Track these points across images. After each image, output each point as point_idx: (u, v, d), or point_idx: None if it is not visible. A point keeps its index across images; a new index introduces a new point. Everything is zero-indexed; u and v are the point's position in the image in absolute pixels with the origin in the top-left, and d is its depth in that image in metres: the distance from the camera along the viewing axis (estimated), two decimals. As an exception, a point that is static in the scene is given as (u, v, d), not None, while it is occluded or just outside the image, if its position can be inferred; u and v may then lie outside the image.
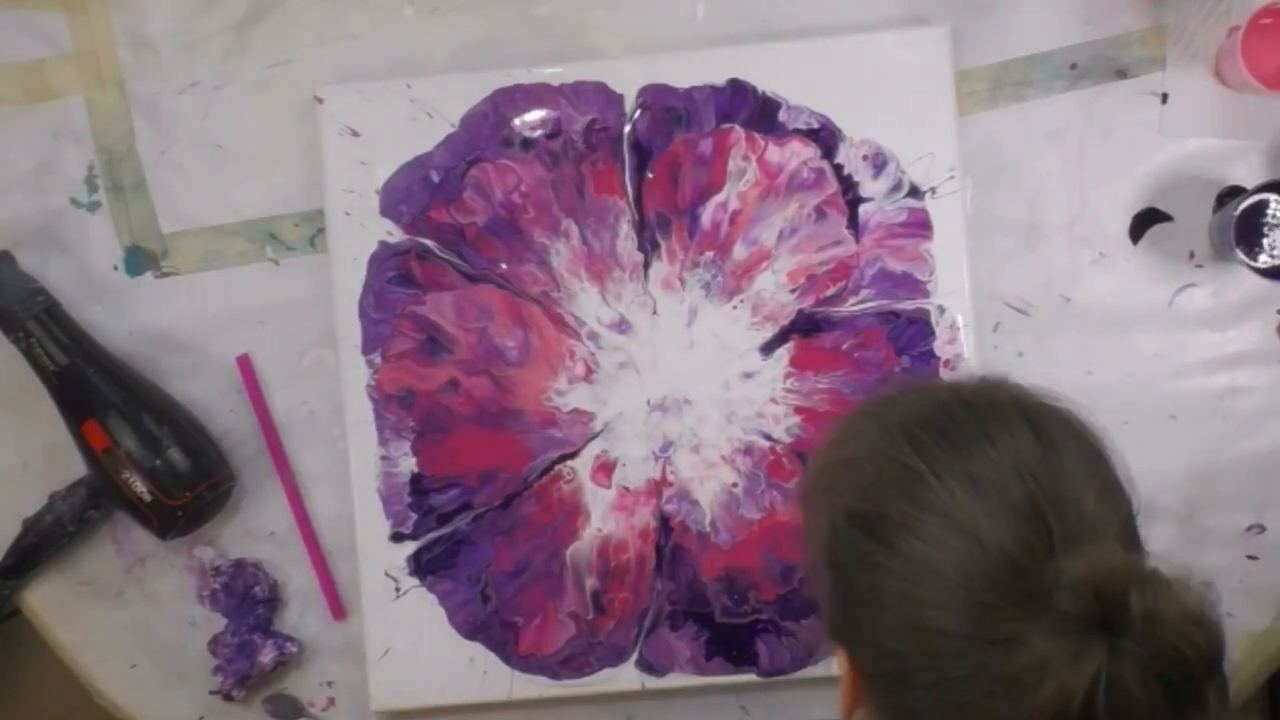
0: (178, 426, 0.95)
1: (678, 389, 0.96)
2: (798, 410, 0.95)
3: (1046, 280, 0.97)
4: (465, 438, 0.96)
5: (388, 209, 0.97)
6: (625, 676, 0.96)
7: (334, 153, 0.97)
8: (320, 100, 0.97)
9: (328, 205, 0.97)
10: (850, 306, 0.95)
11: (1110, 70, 0.97)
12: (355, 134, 0.97)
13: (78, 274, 1.00)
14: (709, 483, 0.96)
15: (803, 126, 0.95)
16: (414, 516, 0.96)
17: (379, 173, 0.97)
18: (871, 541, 0.62)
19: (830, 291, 0.95)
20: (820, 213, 0.95)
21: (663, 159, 0.96)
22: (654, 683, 0.96)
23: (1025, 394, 0.66)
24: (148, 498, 0.93)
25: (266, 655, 0.97)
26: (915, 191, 0.95)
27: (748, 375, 0.96)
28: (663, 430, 0.96)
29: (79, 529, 0.97)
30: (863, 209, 0.95)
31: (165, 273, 1.01)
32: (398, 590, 0.96)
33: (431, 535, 0.96)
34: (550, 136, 0.96)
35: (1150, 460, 0.96)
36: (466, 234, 0.96)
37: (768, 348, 0.96)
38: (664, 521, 0.96)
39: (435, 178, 0.96)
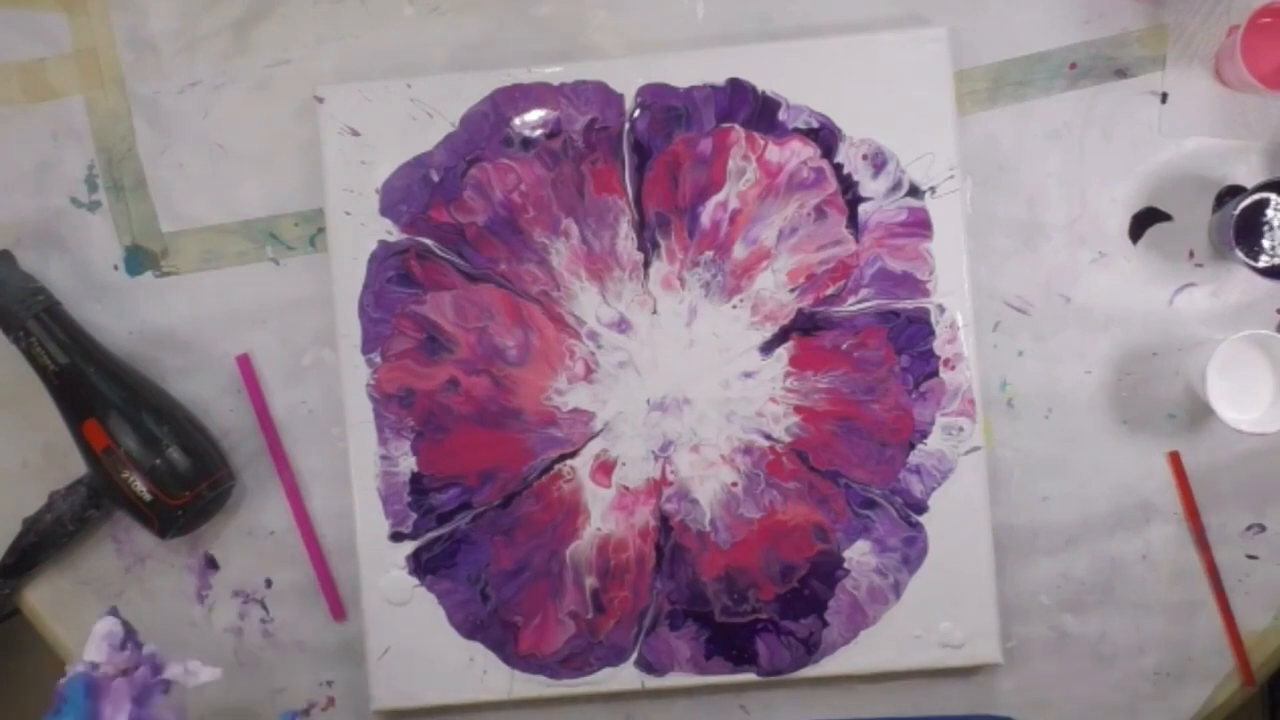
0: (178, 426, 0.95)
1: (677, 388, 0.96)
2: (797, 409, 0.95)
3: (1046, 280, 0.97)
4: (465, 437, 0.96)
5: (387, 208, 0.97)
6: (625, 676, 0.96)
7: (334, 152, 0.97)
8: (320, 100, 0.97)
9: (328, 205, 0.97)
10: (850, 306, 0.95)
11: (1110, 70, 0.97)
12: (355, 133, 0.97)
13: (78, 273, 1.00)
14: (708, 482, 0.96)
15: (802, 126, 0.95)
16: (414, 516, 0.96)
17: (379, 172, 0.97)
18: None
19: (830, 291, 0.95)
20: (820, 212, 0.95)
21: (662, 158, 0.96)
22: (654, 682, 0.96)
23: None
24: (148, 497, 0.93)
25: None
26: (915, 191, 0.95)
27: (747, 374, 0.96)
28: (662, 429, 0.96)
29: (79, 529, 0.97)
30: (862, 208, 0.95)
31: (165, 272, 1.01)
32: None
33: (431, 534, 0.96)
34: (550, 136, 0.96)
35: (1150, 460, 0.97)
36: (466, 233, 0.96)
37: (767, 347, 0.96)
38: (664, 521, 0.96)
39: (435, 177, 0.96)
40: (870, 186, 0.95)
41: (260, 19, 1.00)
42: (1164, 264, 0.97)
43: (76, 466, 0.96)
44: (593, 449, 0.96)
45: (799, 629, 0.95)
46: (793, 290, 0.96)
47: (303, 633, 1.00)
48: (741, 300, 0.96)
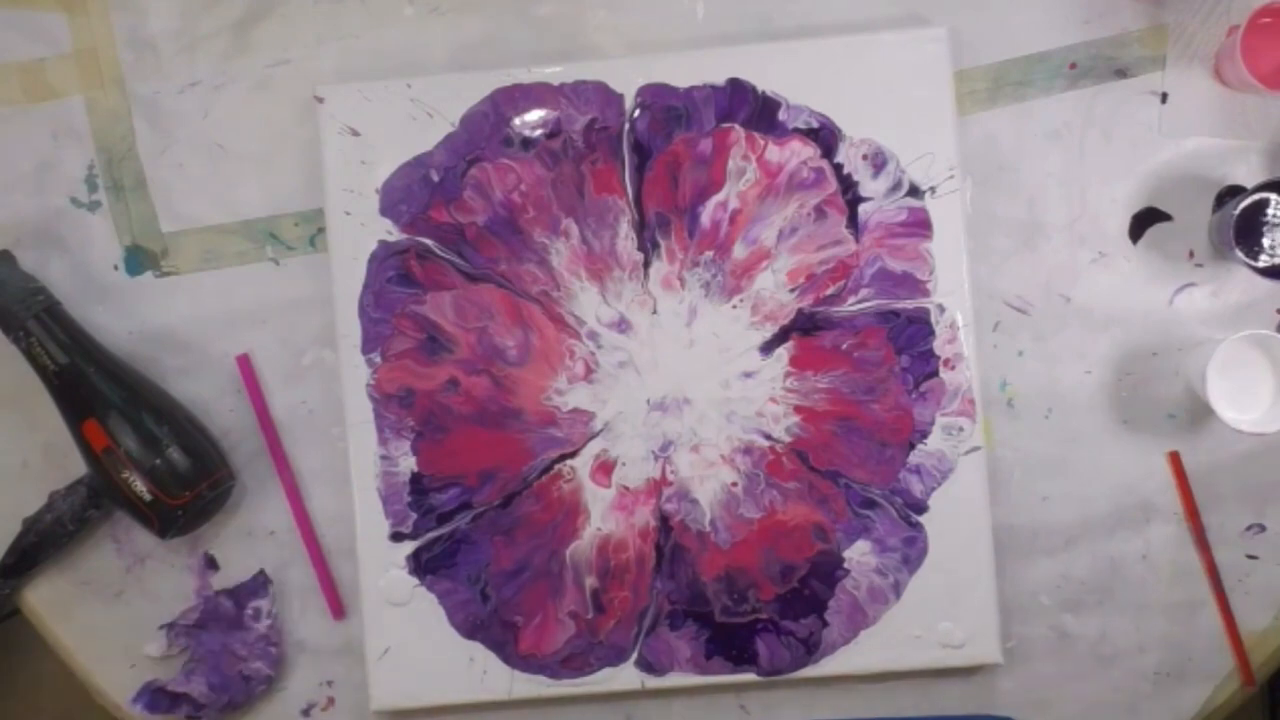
0: (178, 426, 0.95)
1: (677, 388, 0.96)
2: (797, 410, 0.95)
3: (1046, 280, 0.97)
4: (465, 437, 0.96)
5: (387, 208, 0.97)
6: (625, 676, 0.96)
7: (334, 152, 0.97)
8: (320, 100, 0.97)
9: (328, 205, 0.97)
10: (850, 306, 0.95)
11: (1110, 70, 0.97)
12: (355, 133, 0.97)
13: (78, 274, 1.00)
14: (708, 482, 0.96)
15: (802, 126, 0.95)
16: (414, 516, 0.96)
17: (379, 172, 0.97)
18: None
19: (830, 291, 0.95)
20: (820, 212, 0.95)
21: (662, 158, 0.96)
22: (654, 682, 0.96)
23: None
24: (148, 497, 0.93)
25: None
26: (915, 191, 0.95)
27: (747, 374, 0.96)
28: (662, 429, 0.96)
29: (79, 528, 0.97)
30: (862, 208, 0.95)
31: (165, 272, 1.01)
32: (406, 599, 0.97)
33: (431, 534, 0.96)
34: (550, 136, 0.96)
35: (1150, 460, 0.97)
36: (466, 233, 0.96)
37: (767, 347, 0.96)
38: (664, 521, 0.96)
39: (435, 177, 0.96)
40: (870, 186, 0.95)
41: (260, 19, 1.00)
42: (1164, 264, 0.97)
43: (76, 466, 0.96)
44: (593, 449, 0.96)
45: (799, 629, 0.95)
46: (793, 290, 0.96)
47: (303, 632, 1.00)
48: (741, 300, 0.96)
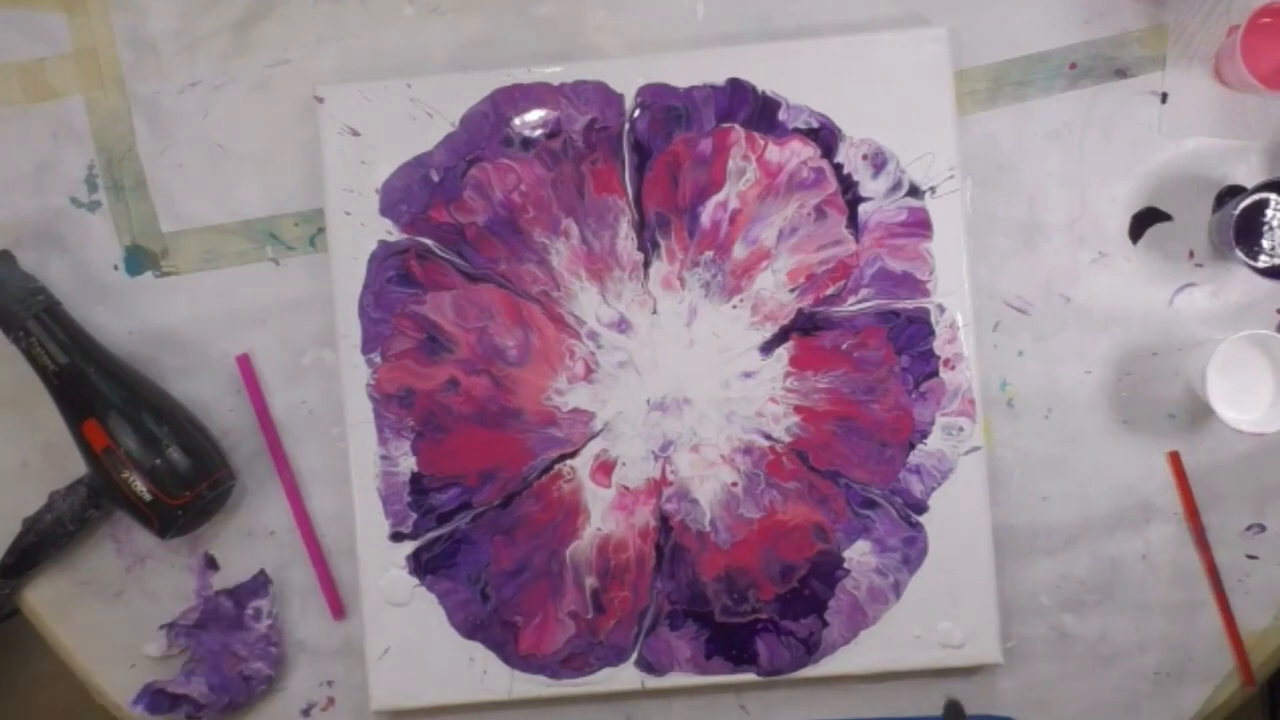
0: (178, 426, 0.95)
1: (677, 388, 0.96)
2: (797, 409, 0.95)
3: (1046, 280, 0.97)
4: (465, 437, 0.96)
5: (387, 208, 0.97)
6: (625, 676, 0.96)
7: (334, 152, 0.97)
8: (320, 100, 0.97)
9: (328, 205, 0.97)
10: (850, 306, 0.95)
11: (1110, 70, 0.97)
12: (355, 133, 0.97)
13: (78, 274, 1.00)
14: (708, 482, 0.96)
15: (802, 126, 0.95)
16: (414, 516, 0.96)
17: (379, 172, 0.97)
18: None
19: (830, 291, 0.95)
20: (820, 212, 0.95)
21: (662, 158, 0.96)
22: (654, 682, 0.96)
23: None
24: (148, 497, 0.93)
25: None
26: (915, 191, 0.95)
27: (747, 374, 0.96)
28: (662, 429, 0.96)
29: (79, 528, 0.97)
30: (862, 208, 0.95)
31: (165, 272, 1.01)
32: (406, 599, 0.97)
33: (431, 534, 0.96)
34: (550, 136, 0.96)
35: (1150, 460, 0.97)
36: (466, 233, 0.96)
37: (767, 347, 0.96)
38: (664, 521, 0.96)
39: (435, 177, 0.96)
40: (870, 186, 0.95)
41: (260, 19, 1.00)
42: (1164, 264, 0.97)
43: (76, 466, 0.96)
44: (593, 449, 0.96)
45: (799, 629, 0.95)
46: (793, 290, 0.96)
47: (303, 632, 1.00)
48: (741, 300, 0.96)
